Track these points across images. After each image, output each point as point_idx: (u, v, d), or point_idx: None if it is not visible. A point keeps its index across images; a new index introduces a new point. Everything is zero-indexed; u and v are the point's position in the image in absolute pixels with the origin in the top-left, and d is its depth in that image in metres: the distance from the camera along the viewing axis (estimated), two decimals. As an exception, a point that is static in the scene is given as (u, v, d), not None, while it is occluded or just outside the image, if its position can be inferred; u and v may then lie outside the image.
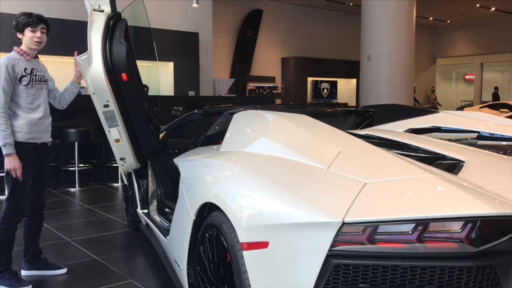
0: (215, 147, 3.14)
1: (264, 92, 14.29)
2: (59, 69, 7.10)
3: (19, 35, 3.21)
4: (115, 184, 7.21)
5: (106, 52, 3.32)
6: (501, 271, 1.64)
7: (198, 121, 4.00)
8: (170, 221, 3.36)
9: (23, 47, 3.21)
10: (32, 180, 3.30)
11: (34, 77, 3.21)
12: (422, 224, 1.61)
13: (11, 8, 8.19)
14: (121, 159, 3.76)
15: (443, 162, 2.30)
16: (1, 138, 3.03)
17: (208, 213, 2.40)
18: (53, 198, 6.12)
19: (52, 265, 3.49)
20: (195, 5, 10.11)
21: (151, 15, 10.74)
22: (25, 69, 3.16)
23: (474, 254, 1.61)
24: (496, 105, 13.87)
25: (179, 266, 2.74)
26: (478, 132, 3.11)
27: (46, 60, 3.40)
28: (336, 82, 16.12)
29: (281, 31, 14.92)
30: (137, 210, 4.16)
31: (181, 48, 10.23)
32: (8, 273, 3.19)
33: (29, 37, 3.18)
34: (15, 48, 3.22)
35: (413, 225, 1.61)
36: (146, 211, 4.03)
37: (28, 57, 3.21)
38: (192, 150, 3.44)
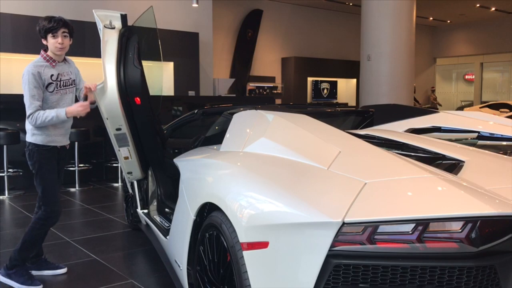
0: (215, 147, 3.14)
1: (264, 92, 14.27)
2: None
3: (43, 42, 3.16)
4: (115, 184, 7.20)
5: (120, 77, 3.32)
6: (501, 271, 1.64)
7: (198, 121, 4.00)
8: (170, 221, 3.36)
9: (49, 52, 3.17)
10: None
11: (59, 83, 3.18)
12: (422, 224, 1.61)
13: (11, 8, 8.19)
14: (129, 173, 3.80)
15: (443, 162, 2.30)
16: (53, 119, 3.06)
17: (208, 213, 2.40)
18: (53, 198, 6.12)
19: (51, 265, 3.49)
20: (195, 5, 10.11)
21: (151, 15, 10.45)
22: (51, 75, 3.14)
23: (474, 254, 1.61)
24: (496, 105, 13.87)
25: (179, 266, 2.74)
26: (478, 132, 3.11)
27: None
28: (336, 82, 16.10)
29: (281, 31, 14.91)
30: (137, 210, 4.16)
31: (181, 48, 10.23)
32: (22, 269, 3.21)
33: (52, 43, 3.13)
34: (42, 53, 3.18)
35: (413, 225, 1.61)
36: (146, 211, 4.03)
37: (54, 64, 3.17)
38: (192, 150, 3.44)
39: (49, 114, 3.08)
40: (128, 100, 3.36)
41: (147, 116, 3.50)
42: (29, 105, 3.07)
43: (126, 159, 3.61)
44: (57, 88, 3.18)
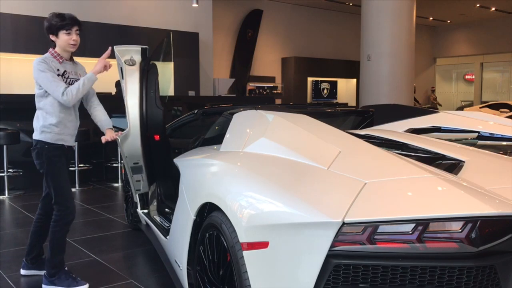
0: (215, 147, 3.14)
1: (264, 92, 14.28)
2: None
3: (52, 37, 3.14)
4: (115, 184, 7.20)
5: (143, 118, 3.38)
6: (501, 271, 1.64)
7: (198, 121, 4.00)
8: (170, 221, 3.36)
9: (57, 49, 3.16)
10: None
11: (66, 80, 3.15)
12: (422, 224, 1.61)
13: (11, 8, 8.19)
14: (137, 190, 3.89)
15: (443, 162, 2.30)
16: (85, 81, 3.09)
17: (208, 213, 2.40)
18: (53, 198, 6.12)
19: None
20: (195, 5, 10.11)
21: (151, 15, 10.69)
22: (58, 69, 3.12)
23: (474, 254, 1.61)
24: (496, 105, 13.87)
25: (179, 266, 2.74)
26: (478, 132, 3.11)
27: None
28: (336, 82, 16.11)
29: (281, 31, 14.91)
30: (137, 210, 4.16)
31: (181, 48, 10.23)
32: (63, 273, 3.19)
33: (65, 40, 3.12)
34: (50, 50, 3.17)
35: (413, 225, 1.61)
36: (146, 211, 4.03)
37: (61, 60, 3.15)
38: (192, 150, 3.44)
39: (79, 81, 3.10)
40: (148, 136, 3.45)
41: (163, 148, 3.60)
42: (56, 86, 3.03)
43: (138, 181, 3.74)
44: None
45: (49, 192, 3.22)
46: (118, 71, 3.52)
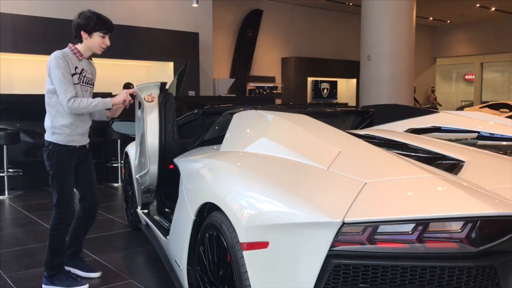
0: (215, 147, 3.14)
1: (264, 92, 14.28)
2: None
3: (83, 35, 3.08)
4: (115, 184, 7.20)
5: (161, 152, 3.42)
6: (501, 271, 1.64)
7: (198, 121, 4.00)
8: (170, 221, 3.36)
9: (79, 46, 3.12)
10: (82, 183, 3.28)
11: (83, 78, 3.13)
12: (422, 224, 1.61)
13: (11, 8, 8.19)
14: (144, 202, 3.91)
15: (443, 162, 2.30)
16: (99, 103, 3.07)
17: (208, 213, 2.40)
18: (53, 198, 6.11)
19: (86, 267, 3.44)
20: (195, 5, 10.11)
21: (151, 15, 10.70)
22: (76, 67, 3.08)
23: (474, 254, 1.61)
24: (496, 105, 13.87)
25: (179, 266, 2.74)
26: (478, 132, 3.11)
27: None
28: (336, 82, 16.11)
29: (281, 31, 14.91)
30: (137, 210, 4.16)
31: (181, 48, 10.23)
32: (63, 274, 3.18)
33: (97, 42, 3.10)
34: (70, 45, 3.13)
35: (413, 225, 1.61)
36: (146, 211, 4.03)
37: (80, 57, 3.12)
38: (192, 150, 3.44)
39: (95, 100, 3.07)
40: (164, 165, 3.48)
41: (175, 174, 3.64)
42: (66, 89, 2.97)
43: (146, 197, 3.78)
44: (81, 83, 3.11)
45: (51, 193, 3.21)
46: (136, 104, 3.54)
